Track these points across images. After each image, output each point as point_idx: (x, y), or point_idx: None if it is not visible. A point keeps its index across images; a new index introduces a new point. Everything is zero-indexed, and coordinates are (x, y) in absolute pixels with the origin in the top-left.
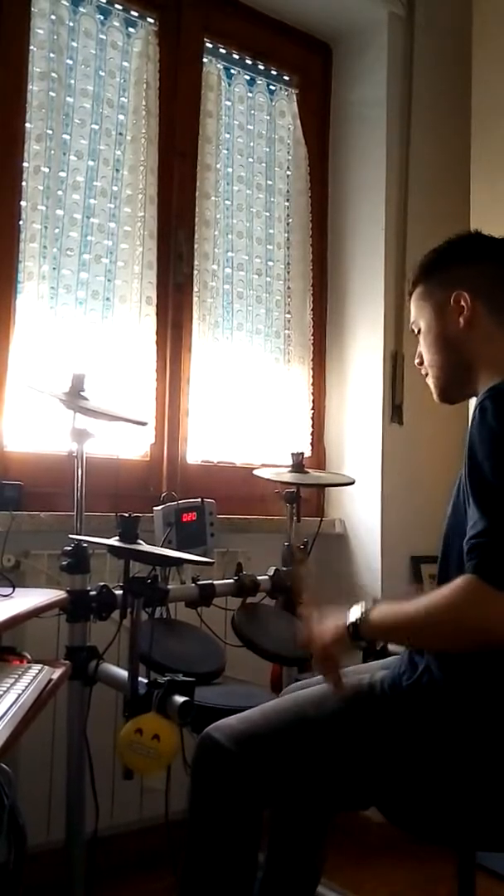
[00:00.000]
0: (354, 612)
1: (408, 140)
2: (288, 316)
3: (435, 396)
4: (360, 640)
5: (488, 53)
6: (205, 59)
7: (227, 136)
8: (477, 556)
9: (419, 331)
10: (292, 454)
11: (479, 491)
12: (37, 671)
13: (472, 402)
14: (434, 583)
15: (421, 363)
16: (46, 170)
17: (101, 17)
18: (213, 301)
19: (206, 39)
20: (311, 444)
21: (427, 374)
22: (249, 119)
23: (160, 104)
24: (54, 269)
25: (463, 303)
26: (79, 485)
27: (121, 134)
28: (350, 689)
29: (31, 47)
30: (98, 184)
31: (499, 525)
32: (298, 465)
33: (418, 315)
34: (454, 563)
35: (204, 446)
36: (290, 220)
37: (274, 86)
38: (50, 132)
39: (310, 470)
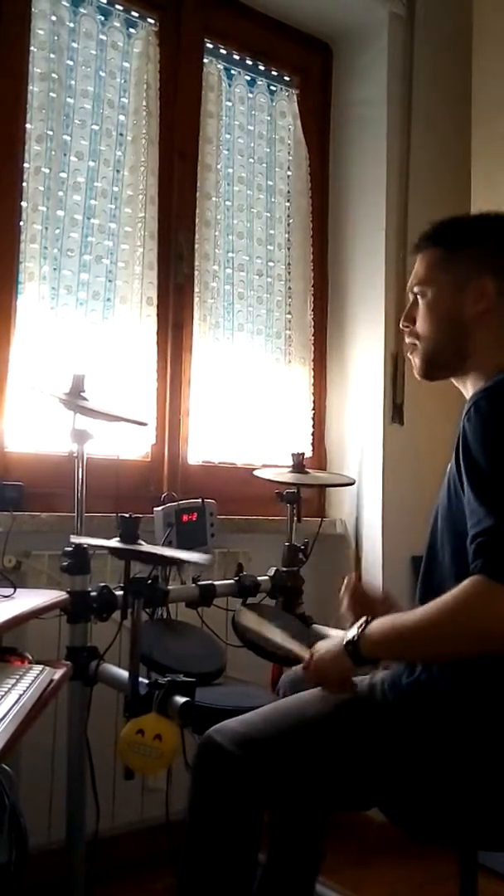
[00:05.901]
0: (351, 632)
1: (408, 140)
2: (289, 316)
3: (417, 370)
4: (362, 660)
5: (488, 53)
6: (205, 60)
7: (228, 136)
8: (484, 554)
9: (421, 295)
10: (293, 454)
11: (479, 487)
12: (38, 672)
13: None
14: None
15: (408, 327)
16: (47, 171)
17: (102, 18)
18: (214, 301)
19: (206, 40)
20: (312, 445)
21: (413, 342)
22: (250, 119)
23: (161, 105)
24: (55, 269)
25: (486, 291)
26: (79, 485)
27: (121, 134)
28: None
29: (32, 48)
30: (98, 184)
31: None
32: (299, 465)
33: (428, 280)
34: (449, 560)
35: (205, 447)
36: (291, 221)
37: (274, 86)
38: (50, 133)
39: (310, 470)
